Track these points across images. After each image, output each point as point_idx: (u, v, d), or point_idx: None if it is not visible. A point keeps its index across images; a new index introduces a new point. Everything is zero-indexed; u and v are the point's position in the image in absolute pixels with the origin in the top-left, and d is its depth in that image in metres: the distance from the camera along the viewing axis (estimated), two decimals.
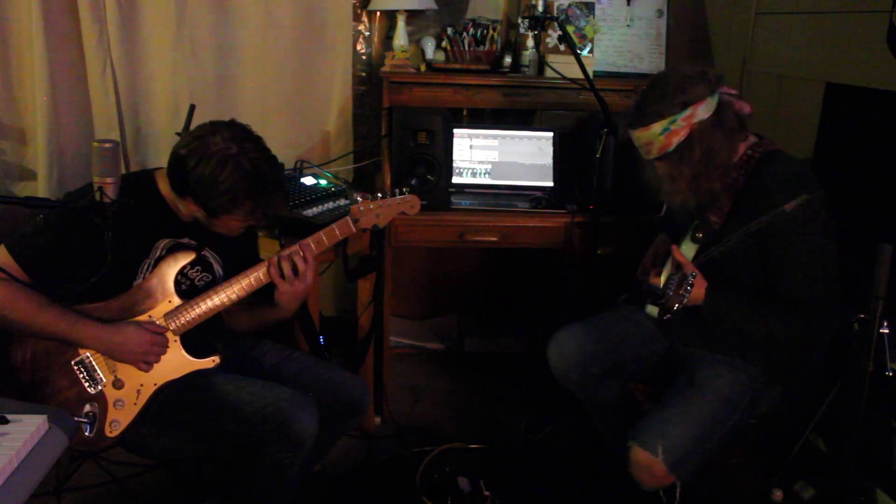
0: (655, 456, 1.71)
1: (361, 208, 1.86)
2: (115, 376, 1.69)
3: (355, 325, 2.57)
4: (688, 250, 1.89)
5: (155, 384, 1.71)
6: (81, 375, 1.68)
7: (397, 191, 1.91)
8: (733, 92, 1.81)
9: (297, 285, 1.78)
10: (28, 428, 1.17)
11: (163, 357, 1.72)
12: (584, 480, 2.33)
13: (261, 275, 1.78)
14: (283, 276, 1.77)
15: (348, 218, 1.86)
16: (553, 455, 2.47)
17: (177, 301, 1.73)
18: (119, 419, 1.69)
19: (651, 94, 1.77)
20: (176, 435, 1.74)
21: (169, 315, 1.73)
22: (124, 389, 1.69)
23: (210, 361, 1.77)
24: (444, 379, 3.01)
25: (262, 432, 1.66)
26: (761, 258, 1.75)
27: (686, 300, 1.67)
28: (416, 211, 1.93)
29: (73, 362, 1.67)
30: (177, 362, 1.74)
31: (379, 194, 1.90)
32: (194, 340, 1.77)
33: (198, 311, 1.74)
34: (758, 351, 1.82)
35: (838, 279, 1.71)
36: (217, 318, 1.80)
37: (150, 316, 1.71)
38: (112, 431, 1.68)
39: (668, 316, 1.68)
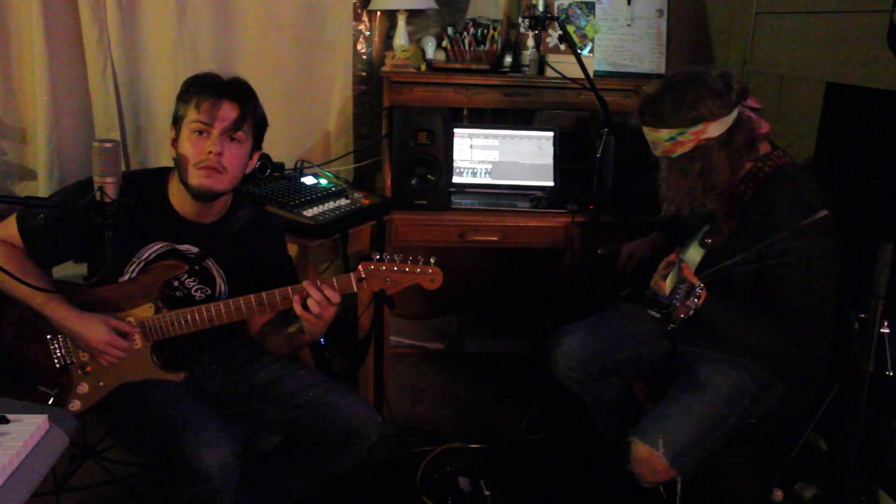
0: (656, 450, 1.70)
1: (372, 267, 1.62)
2: (83, 361, 1.70)
3: (355, 325, 2.57)
4: (695, 254, 1.89)
5: (118, 381, 1.71)
6: (55, 352, 1.69)
7: (420, 258, 1.65)
8: (758, 106, 1.77)
9: (324, 313, 1.63)
10: (28, 428, 1.17)
11: (131, 360, 1.70)
12: (584, 480, 2.32)
13: (261, 299, 1.65)
14: (306, 308, 1.62)
15: (352, 274, 1.63)
16: (553, 455, 2.46)
17: (157, 309, 1.70)
18: (78, 403, 1.70)
19: (668, 99, 1.73)
20: (122, 437, 1.77)
21: (146, 322, 1.70)
22: (90, 377, 1.70)
23: (175, 376, 1.74)
24: (444, 379, 3.01)
25: (168, 461, 1.56)
26: (759, 268, 1.74)
27: (692, 312, 1.65)
28: (436, 286, 1.65)
29: (49, 336, 1.69)
30: (142, 368, 1.72)
31: (396, 257, 1.64)
32: (173, 349, 1.75)
33: (176, 325, 1.69)
34: (760, 350, 1.82)
35: (832, 300, 1.71)
36: (205, 331, 1.70)
37: (129, 316, 1.70)
38: (72, 409, 1.69)
39: (673, 326, 1.67)
